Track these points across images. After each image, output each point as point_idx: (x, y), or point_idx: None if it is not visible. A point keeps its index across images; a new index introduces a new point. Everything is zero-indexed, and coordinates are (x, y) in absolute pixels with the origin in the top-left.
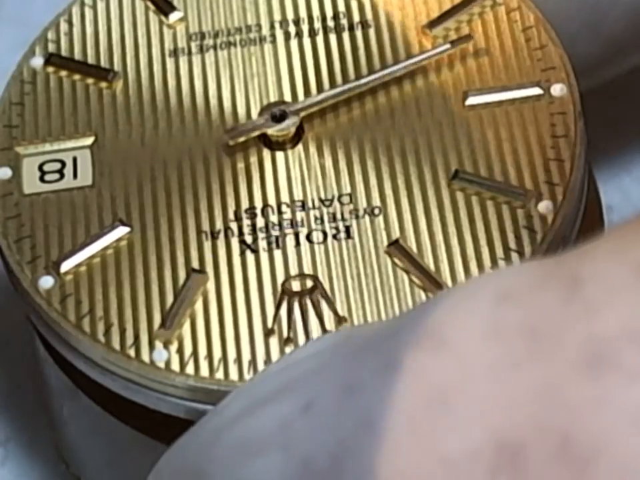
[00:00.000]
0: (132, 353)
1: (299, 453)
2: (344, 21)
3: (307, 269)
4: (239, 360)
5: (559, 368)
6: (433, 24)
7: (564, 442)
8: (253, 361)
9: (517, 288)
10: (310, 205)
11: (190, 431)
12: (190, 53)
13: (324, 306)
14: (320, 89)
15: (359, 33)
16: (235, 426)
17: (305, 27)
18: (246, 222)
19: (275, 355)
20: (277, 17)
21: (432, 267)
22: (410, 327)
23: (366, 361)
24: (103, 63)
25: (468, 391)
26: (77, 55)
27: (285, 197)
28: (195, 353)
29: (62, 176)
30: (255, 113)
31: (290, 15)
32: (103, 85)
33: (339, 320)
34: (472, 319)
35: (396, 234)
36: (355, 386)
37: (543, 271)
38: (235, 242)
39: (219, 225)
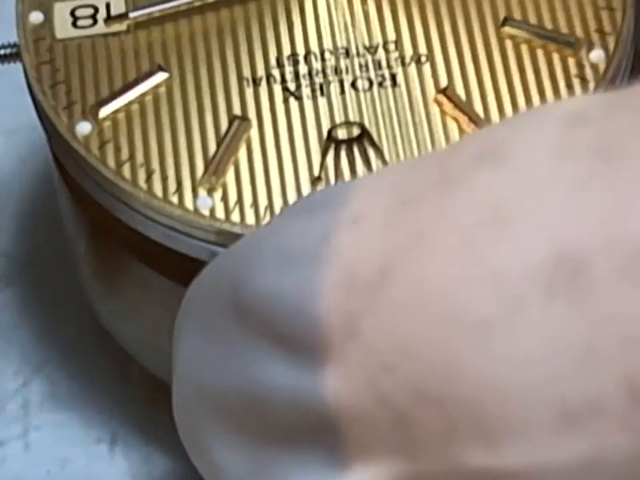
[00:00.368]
0: (175, 200)
1: (344, 264)
2: None
3: (353, 117)
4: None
5: (632, 185)
6: None
7: (635, 255)
8: None
9: (589, 110)
10: (354, 51)
11: (232, 245)
12: None
13: (371, 154)
14: None
15: None
16: (277, 235)
17: None
18: (288, 68)
19: None
20: None
21: (482, 114)
22: (471, 144)
23: (422, 175)
24: None
25: (530, 208)
26: None
27: (327, 44)
28: (240, 201)
29: (95, 22)
30: None
31: None
32: None
33: None
34: (540, 137)
35: (444, 82)
36: (408, 199)
37: (614, 97)
38: (277, 89)
39: (260, 71)
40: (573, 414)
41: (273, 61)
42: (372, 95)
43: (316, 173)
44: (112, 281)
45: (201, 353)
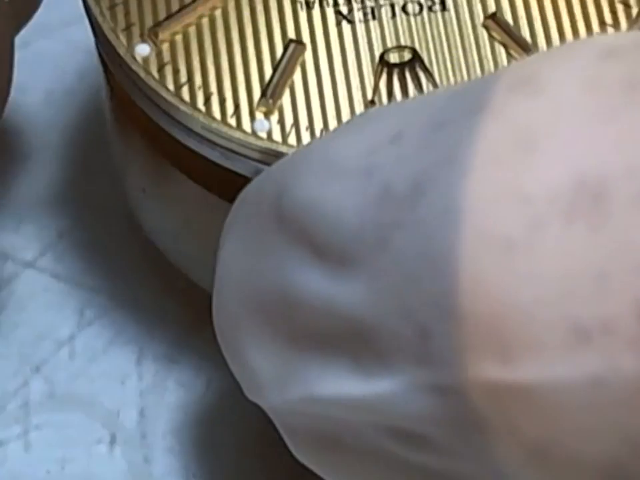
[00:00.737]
0: (233, 122)
1: (381, 178)
2: None
3: (404, 41)
4: None
5: None
6: None
7: None
8: None
9: (622, 47)
10: None
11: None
12: None
13: (423, 77)
14: None
15: None
16: (325, 147)
17: None
18: None
19: None
20: None
21: (529, 39)
22: (507, 74)
23: (459, 101)
24: None
25: (557, 135)
26: None
27: None
28: (296, 124)
29: None
30: None
31: None
32: None
33: None
34: (573, 70)
35: (492, 7)
36: (445, 122)
37: None
38: (330, 12)
39: None
40: (585, 332)
41: None
42: (422, 19)
43: (369, 96)
44: (165, 201)
45: (243, 255)
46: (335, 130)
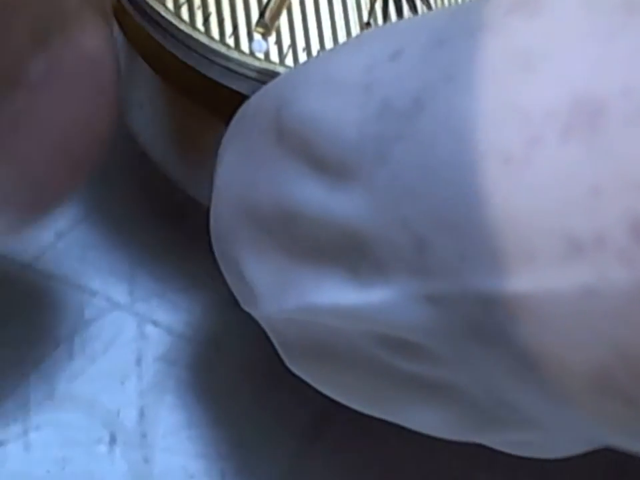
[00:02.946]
0: (231, 42)
1: (381, 94)
2: None
3: None
4: None
5: None
6: None
7: None
8: None
9: None
10: None
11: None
12: None
13: (418, 1)
14: None
15: None
16: (325, 64)
17: None
18: None
19: None
20: None
21: None
22: None
23: (460, 20)
24: None
25: (555, 56)
26: None
27: None
28: (293, 45)
29: None
30: None
31: None
32: None
33: None
34: None
35: None
36: (445, 40)
37: None
38: None
39: None
40: (577, 244)
41: None
42: None
43: (365, 18)
44: (168, 122)
45: (241, 168)
46: (334, 48)
